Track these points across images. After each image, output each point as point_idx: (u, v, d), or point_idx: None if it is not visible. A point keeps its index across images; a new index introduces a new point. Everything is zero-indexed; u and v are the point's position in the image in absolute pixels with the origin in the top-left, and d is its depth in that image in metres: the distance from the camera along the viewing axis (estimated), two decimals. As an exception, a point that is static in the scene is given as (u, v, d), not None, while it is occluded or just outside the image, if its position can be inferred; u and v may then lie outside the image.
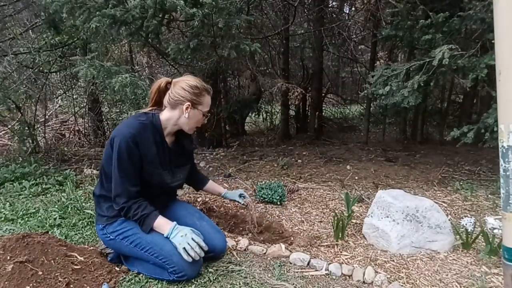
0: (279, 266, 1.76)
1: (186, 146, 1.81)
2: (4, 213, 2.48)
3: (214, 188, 2.15)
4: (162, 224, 1.62)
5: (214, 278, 1.65)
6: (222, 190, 2.14)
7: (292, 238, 2.12)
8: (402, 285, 1.61)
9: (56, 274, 1.49)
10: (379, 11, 4.08)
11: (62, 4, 2.72)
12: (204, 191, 2.20)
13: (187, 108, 1.65)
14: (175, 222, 1.64)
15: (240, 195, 2.11)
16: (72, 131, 5.75)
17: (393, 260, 1.82)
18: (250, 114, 6.64)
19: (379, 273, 1.70)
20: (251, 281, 1.62)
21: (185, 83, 1.66)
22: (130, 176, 1.59)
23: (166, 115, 1.68)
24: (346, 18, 6.23)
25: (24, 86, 4.21)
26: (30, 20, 4.81)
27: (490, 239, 1.83)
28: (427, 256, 1.86)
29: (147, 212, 1.60)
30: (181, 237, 1.57)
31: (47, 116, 5.56)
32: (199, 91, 1.66)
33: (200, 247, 1.57)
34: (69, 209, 2.50)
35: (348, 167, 3.72)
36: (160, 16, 2.82)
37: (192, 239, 1.57)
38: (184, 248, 1.54)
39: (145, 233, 1.63)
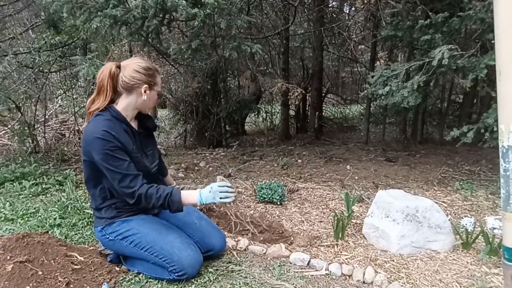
0: (279, 266, 1.76)
1: (150, 126, 1.81)
2: (4, 213, 2.48)
3: (169, 181, 2.07)
4: (188, 196, 1.60)
5: (214, 278, 1.65)
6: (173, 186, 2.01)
7: (292, 238, 2.12)
8: (402, 285, 1.61)
9: (56, 274, 1.49)
10: (379, 11, 4.08)
11: (62, 4, 2.72)
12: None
13: (145, 91, 1.63)
14: (198, 190, 1.61)
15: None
16: (72, 131, 5.73)
17: (393, 260, 1.82)
18: (250, 114, 6.63)
19: (379, 273, 1.70)
20: (251, 281, 1.62)
21: (137, 65, 1.62)
22: (126, 166, 1.55)
23: (124, 102, 1.64)
24: (346, 18, 6.23)
25: (24, 86, 4.20)
26: (30, 20, 4.80)
27: (490, 239, 1.82)
28: (427, 256, 1.86)
29: (168, 191, 1.57)
30: (210, 193, 1.57)
31: (47, 116, 5.53)
32: (152, 72, 1.66)
33: (228, 187, 1.60)
34: (69, 209, 2.50)
35: (348, 167, 3.72)
36: (161, 16, 2.82)
37: (218, 186, 1.58)
38: (221, 198, 1.56)
39: (144, 233, 1.63)
